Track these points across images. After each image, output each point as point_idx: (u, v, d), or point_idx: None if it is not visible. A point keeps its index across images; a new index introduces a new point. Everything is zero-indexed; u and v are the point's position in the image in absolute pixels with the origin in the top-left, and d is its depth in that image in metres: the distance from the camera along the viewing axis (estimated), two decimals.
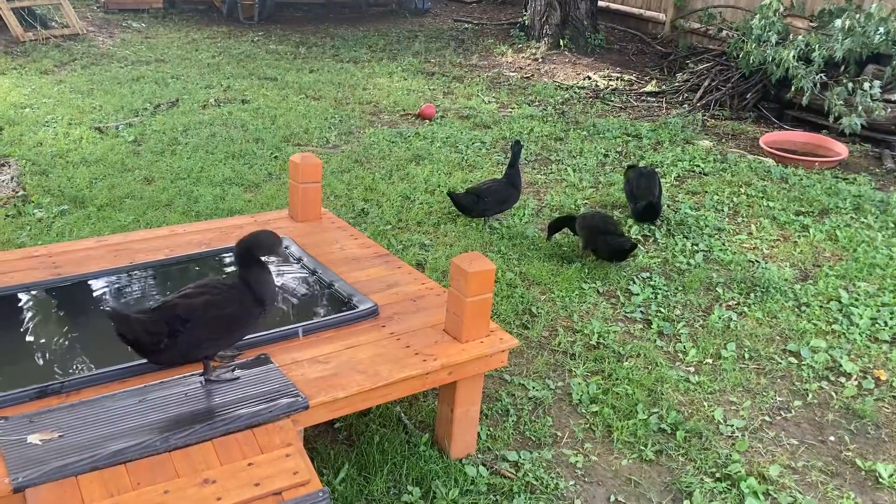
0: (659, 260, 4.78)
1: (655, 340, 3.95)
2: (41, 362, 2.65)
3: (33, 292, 3.00)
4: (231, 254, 3.41)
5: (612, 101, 8.49)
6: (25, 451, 2.12)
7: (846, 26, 7.16)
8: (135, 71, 8.53)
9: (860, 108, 6.84)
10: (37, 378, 2.47)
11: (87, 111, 6.99)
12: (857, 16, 7.24)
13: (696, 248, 4.95)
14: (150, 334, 2.30)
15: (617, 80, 9.32)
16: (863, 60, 7.28)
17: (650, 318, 4.14)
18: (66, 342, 2.77)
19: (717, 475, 3.04)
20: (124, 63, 8.91)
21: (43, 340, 2.79)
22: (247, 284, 2.44)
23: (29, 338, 2.80)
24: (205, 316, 2.34)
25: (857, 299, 4.38)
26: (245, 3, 11.70)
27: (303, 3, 13.10)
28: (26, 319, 2.90)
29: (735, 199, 5.78)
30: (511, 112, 7.87)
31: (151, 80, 8.19)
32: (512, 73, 9.52)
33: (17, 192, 5.21)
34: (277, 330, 2.77)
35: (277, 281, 3.29)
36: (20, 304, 2.96)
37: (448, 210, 5.28)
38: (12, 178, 5.41)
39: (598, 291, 4.38)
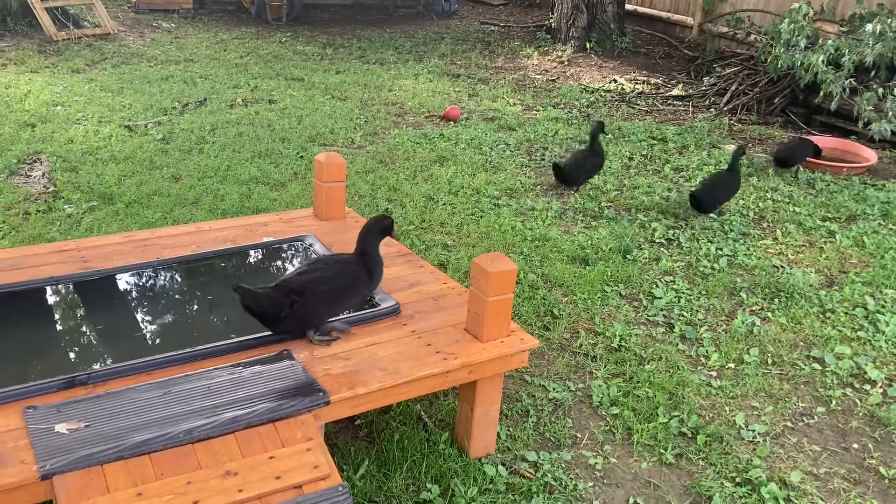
0: (682, 264, 4.76)
1: (677, 344, 3.93)
2: (69, 354, 2.71)
3: (62, 285, 3.06)
4: (256, 250, 3.47)
5: (637, 104, 8.45)
6: (53, 440, 2.16)
7: (877, 31, 7.07)
8: (164, 70, 8.64)
9: (890, 113, 6.75)
10: (65, 369, 2.53)
11: (116, 109, 7.10)
12: (889, 20, 7.15)
13: (720, 252, 4.92)
14: (274, 306, 2.66)
15: (643, 83, 9.28)
16: (894, 66, 7.18)
17: (672, 321, 4.12)
18: (94, 334, 2.83)
19: (738, 480, 3.03)
20: (154, 62, 9.03)
21: (71, 332, 2.85)
22: (362, 259, 2.83)
23: (58, 329, 2.86)
24: (317, 290, 2.69)
25: (883, 306, 4.33)
26: (273, 4, 11.81)
27: (330, 4, 13.19)
28: (55, 312, 2.96)
29: (761, 204, 5.73)
30: (536, 115, 7.87)
31: (180, 79, 8.29)
32: (537, 76, 9.51)
33: (48, 189, 5.30)
34: None
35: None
36: (50, 297, 3.02)
37: (471, 211, 5.29)
38: (44, 175, 5.52)
39: (620, 294, 4.37)
